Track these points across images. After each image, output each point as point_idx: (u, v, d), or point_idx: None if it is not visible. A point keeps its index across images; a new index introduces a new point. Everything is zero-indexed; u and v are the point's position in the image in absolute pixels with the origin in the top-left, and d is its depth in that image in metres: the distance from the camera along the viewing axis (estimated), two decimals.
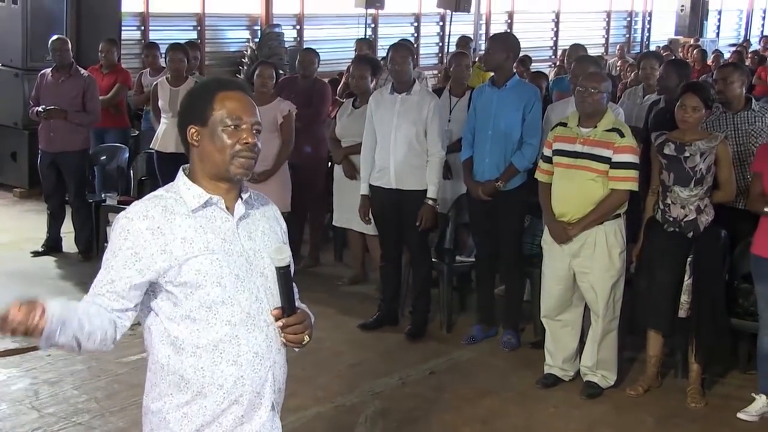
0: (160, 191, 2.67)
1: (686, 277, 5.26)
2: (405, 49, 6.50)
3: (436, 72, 15.38)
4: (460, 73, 7.18)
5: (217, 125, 2.60)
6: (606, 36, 20.23)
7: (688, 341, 5.42)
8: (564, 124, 5.44)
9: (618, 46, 17.04)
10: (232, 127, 2.59)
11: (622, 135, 5.27)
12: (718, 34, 22.56)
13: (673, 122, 5.38)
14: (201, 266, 2.55)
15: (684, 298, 5.28)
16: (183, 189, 2.63)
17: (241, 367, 2.59)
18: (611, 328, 5.43)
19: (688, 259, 5.24)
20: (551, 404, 5.36)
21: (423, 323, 6.40)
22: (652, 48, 17.65)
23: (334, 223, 7.47)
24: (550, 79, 10.00)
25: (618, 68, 13.62)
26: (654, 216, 5.35)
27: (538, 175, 5.55)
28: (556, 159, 5.40)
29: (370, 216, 6.42)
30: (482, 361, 5.97)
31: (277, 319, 2.64)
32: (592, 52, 11.71)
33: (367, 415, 5.11)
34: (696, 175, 5.16)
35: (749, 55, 15.11)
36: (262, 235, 2.70)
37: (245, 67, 13.05)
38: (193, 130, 2.63)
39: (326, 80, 8.69)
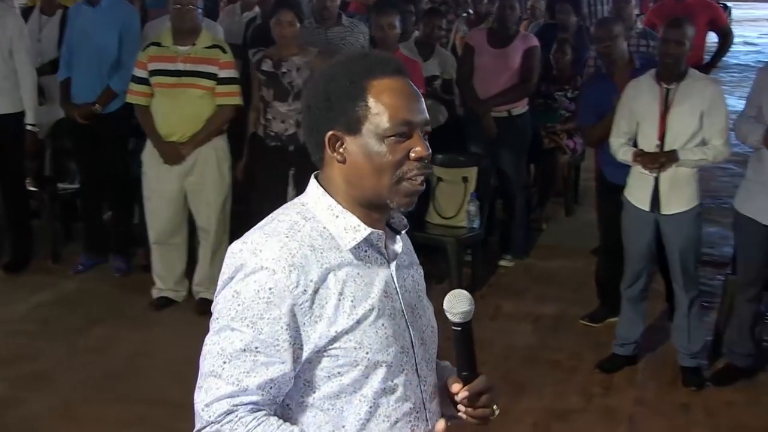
0: (291, 216, 1.78)
1: (290, 189, 5.43)
2: None
3: None
4: None
5: (376, 136, 1.72)
6: None
7: None
8: (158, 44, 5.34)
9: None
10: (398, 136, 1.73)
11: (224, 51, 5.31)
12: None
13: (270, 38, 5.48)
14: (364, 337, 1.71)
15: None
16: (327, 216, 1.77)
17: None
18: (222, 241, 5.49)
19: (291, 171, 5.41)
20: (165, 324, 5.34)
21: (24, 255, 6.12)
22: None
23: None
24: None
25: None
26: (256, 132, 5.46)
27: (132, 98, 5.41)
28: (155, 79, 5.30)
29: None
30: (92, 290, 5.82)
31: (455, 393, 1.82)
32: None
33: None
34: (293, 90, 5.31)
35: None
36: (412, 282, 1.88)
37: None
38: (335, 138, 1.76)
39: None
